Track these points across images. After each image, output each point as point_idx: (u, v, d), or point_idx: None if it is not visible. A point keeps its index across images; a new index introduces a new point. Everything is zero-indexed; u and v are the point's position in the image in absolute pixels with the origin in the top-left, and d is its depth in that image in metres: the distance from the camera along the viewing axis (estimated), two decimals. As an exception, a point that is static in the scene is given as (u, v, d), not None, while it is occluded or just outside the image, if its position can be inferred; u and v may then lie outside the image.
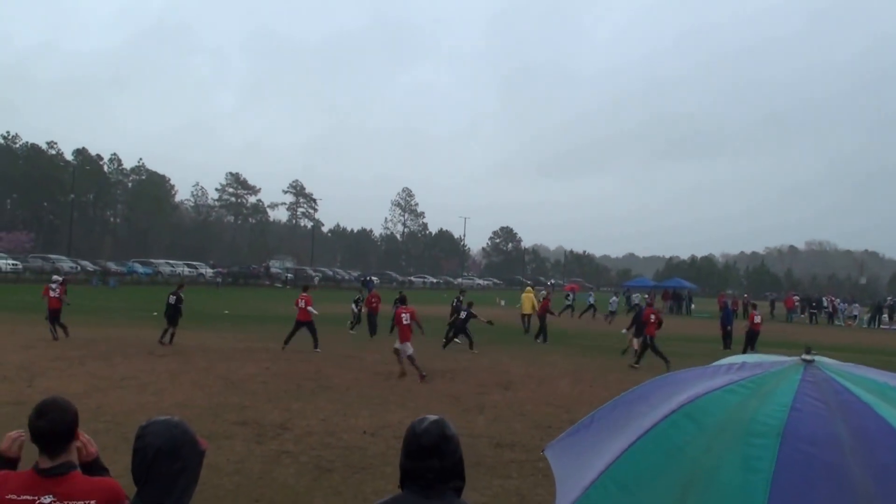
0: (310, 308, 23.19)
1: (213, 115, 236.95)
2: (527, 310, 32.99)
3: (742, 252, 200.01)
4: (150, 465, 2.75)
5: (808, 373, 2.98)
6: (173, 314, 23.13)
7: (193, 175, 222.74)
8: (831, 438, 2.66)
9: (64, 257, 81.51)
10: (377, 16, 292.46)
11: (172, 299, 23.42)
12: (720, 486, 2.67)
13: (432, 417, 3.00)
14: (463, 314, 25.38)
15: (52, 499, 3.12)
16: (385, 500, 2.94)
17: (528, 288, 36.43)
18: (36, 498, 3.12)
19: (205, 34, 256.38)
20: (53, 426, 3.21)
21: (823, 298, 63.86)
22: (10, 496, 3.16)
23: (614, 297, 48.69)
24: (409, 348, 17.93)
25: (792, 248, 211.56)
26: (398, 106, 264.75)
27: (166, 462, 2.76)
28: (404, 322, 18.28)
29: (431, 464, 2.88)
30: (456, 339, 26.67)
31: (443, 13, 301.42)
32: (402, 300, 19.35)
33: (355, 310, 31.51)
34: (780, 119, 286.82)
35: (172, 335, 22.83)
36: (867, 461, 2.58)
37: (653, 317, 22.65)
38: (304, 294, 23.61)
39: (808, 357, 3.09)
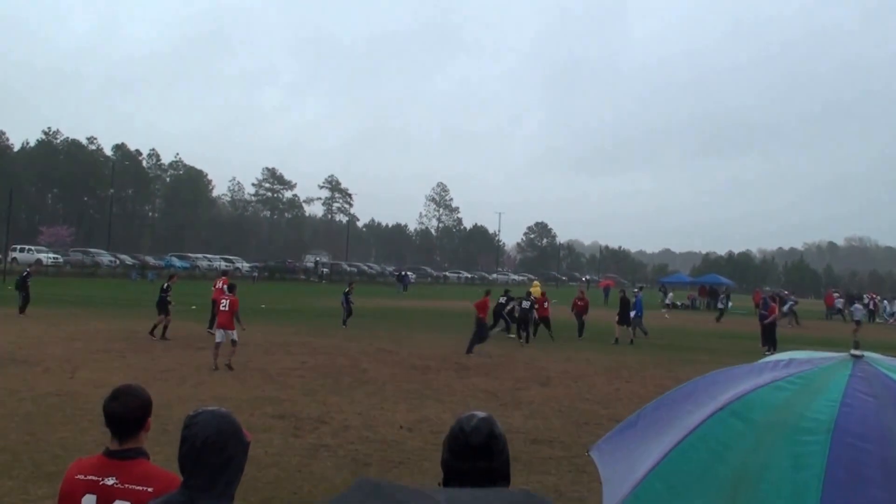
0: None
1: (252, 112, 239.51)
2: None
3: (780, 248, 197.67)
4: (197, 455, 2.77)
5: (857, 368, 2.92)
6: (162, 304, 22.96)
7: (232, 171, 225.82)
8: (883, 433, 2.60)
9: (103, 251, 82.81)
10: (420, 14, 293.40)
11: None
12: (771, 484, 2.62)
13: (480, 414, 2.82)
14: (526, 304, 26.36)
15: (115, 481, 3.22)
16: None
17: (535, 282, 36.94)
18: (100, 479, 3.24)
19: (250, 34, 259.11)
20: (125, 410, 3.33)
21: (864, 295, 62.66)
22: (78, 476, 3.29)
23: (857, 305, 44.84)
24: (221, 335, 17.91)
25: (831, 244, 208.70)
26: (437, 102, 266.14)
27: (213, 452, 2.77)
28: (222, 307, 18.38)
29: (479, 464, 2.70)
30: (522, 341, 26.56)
31: (485, 11, 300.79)
32: (230, 288, 19.68)
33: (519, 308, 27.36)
34: (819, 115, 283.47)
35: (165, 327, 22.38)
36: None
37: (546, 303, 28.20)
38: (224, 277, 25.78)
39: (856, 352, 3.03)
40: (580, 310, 30.16)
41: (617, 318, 28.65)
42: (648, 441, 3.15)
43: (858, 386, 2.79)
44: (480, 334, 22.70)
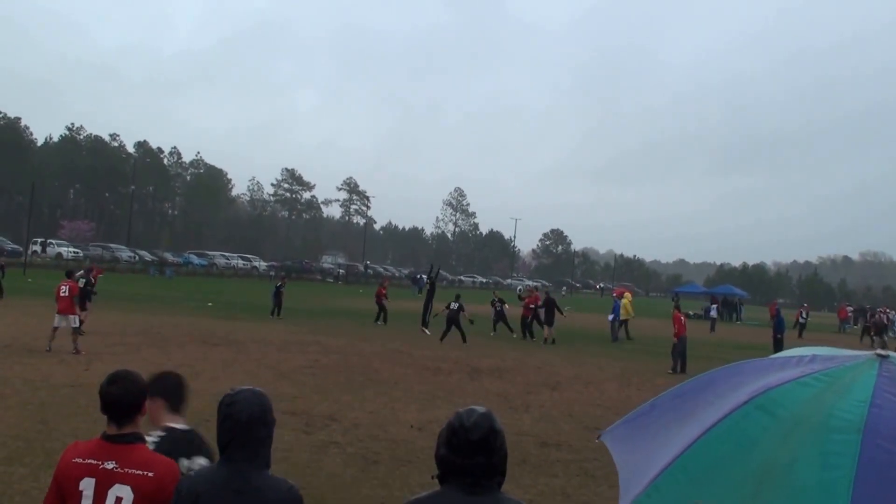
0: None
1: (275, 114, 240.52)
2: (623, 315, 32.59)
3: (795, 261, 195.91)
4: (242, 430, 2.95)
5: (884, 368, 2.87)
6: (82, 298, 21.42)
7: (252, 171, 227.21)
8: None
9: (123, 247, 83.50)
10: (449, 22, 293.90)
11: (82, 282, 22.26)
12: (798, 482, 2.59)
13: (480, 409, 2.80)
14: (454, 305, 26.64)
15: (115, 465, 3.20)
16: (425, 495, 2.81)
17: (627, 293, 34.99)
18: (99, 463, 3.21)
19: (282, 39, 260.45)
20: (124, 394, 3.31)
21: (877, 310, 61.96)
22: (76, 460, 3.26)
23: None
24: (59, 320, 17.86)
25: (846, 258, 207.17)
26: (458, 111, 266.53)
27: (257, 428, 2.97)
28: (62, 294, 18.23)
29: (478, 459, 2.70)
30: (426, 330, 28.06)
31: (513, 21, 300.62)
32: (68, 275, 19.70)
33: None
34: (835, 128, 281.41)
35: (81, 321, 20.20)
36: None
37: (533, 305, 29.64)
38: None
39: (882, 352, 2.99)
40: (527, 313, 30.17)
41: (543, 319, 28.71)
42: (668, 430, 3.11)
43: (886, 387, 2.75)
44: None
